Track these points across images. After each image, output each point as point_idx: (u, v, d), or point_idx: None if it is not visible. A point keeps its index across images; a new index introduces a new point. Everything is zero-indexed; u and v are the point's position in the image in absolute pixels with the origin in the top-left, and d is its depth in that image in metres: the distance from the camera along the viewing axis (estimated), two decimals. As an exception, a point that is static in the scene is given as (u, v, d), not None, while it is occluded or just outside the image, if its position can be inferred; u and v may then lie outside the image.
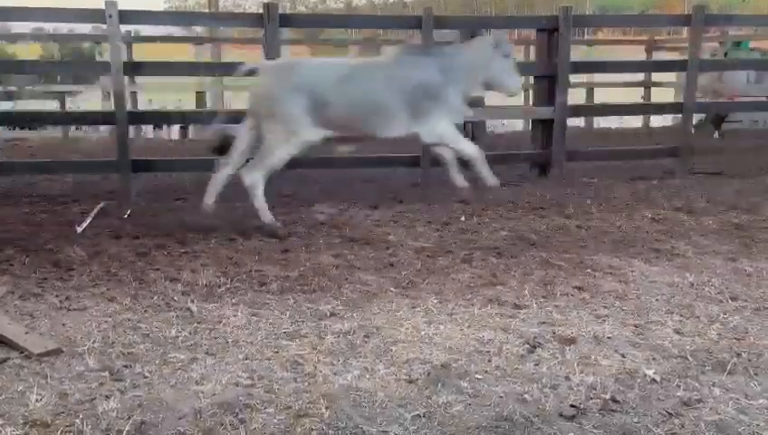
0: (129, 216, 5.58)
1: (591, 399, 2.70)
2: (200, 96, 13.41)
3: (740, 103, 10.33)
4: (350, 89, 4.94)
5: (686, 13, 8.33)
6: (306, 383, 2.82)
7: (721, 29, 12.04)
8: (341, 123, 4.98)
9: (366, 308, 3.65)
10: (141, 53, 12.72)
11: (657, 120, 12.86)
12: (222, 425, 2.50)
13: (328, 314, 3.56)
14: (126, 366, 2.94)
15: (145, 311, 3.58)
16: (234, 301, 3.74)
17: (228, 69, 6.12)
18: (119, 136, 6.38)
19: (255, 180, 5.01)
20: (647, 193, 6.41)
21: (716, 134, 10.82)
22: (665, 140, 8.52)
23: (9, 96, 11.59)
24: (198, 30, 14.53)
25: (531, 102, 8.80)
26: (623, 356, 3.08)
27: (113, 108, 6.49)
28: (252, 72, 5.10)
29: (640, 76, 13.26)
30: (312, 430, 2.48)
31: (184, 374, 2.88)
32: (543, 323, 3.46)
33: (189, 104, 13.85)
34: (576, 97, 10.88)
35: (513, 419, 2.55)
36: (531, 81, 10.11)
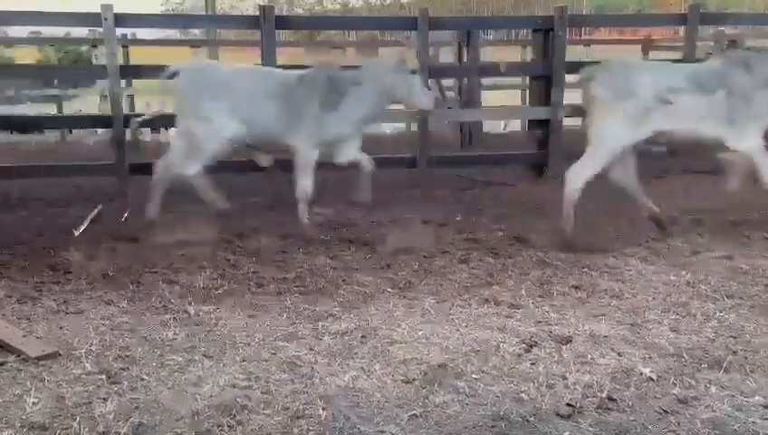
0: (126, 219, 5.57)
1: (588, 397, 2.71)
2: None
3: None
4: None
5: (682, 12, 8.34)
6: (303, 384, 2.82)
7: (717, 28, 12.04)
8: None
9: (363, 309, 3.66)
10: (139, 56, 12.70)
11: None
12: (219, 427, 2.50)
13: (325, 316, 3.56)
14: (123, 369, 2.94)
15: (142, 314, 3.59)
16: (231, 303, 3.75)
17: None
18: (116, 139, 6.38)
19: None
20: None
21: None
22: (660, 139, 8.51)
23: (7, 100, 11.59)
24: (196, 32, 14.54)
25: (527, 103, 8.81)
26: (619, 355, 3.09)
27: (110, 111, 6.49)
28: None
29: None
30: (310, 430, 2.49)
31: (181, 376, 2.89)
32: (540, 322, 3.47)
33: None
34: (573, 97, 10.88)
35: (509, 418, 2.56)
36: (527, 81, 10.15)
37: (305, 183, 5.09)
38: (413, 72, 5.09)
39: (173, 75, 5.04)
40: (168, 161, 5.04)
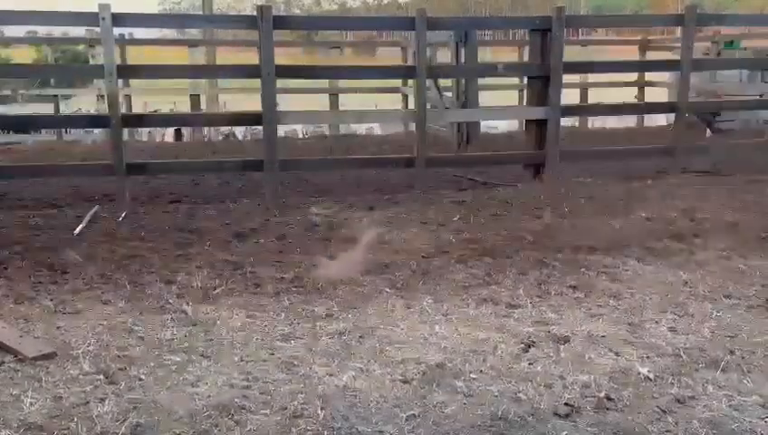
0: (124, 218, 5.57)
1: (586, 397, 2.71)
2: (195, 99, 13.36)
3: (732, 102, 10.36)
4: None
5: (679, 12, 8.36)
6: (301, 384, 2.82)
7: (714, 29, 12.08)
8: None
9: (361, 309, 3.66)
10: (136, 55, 12.68)
11: (650, 120, 12.88)
12: (217, 426, 2.50)
13: (323, 316, 3.56)
14: (121, 369, 2.94)
15: (140, 313, 3.58)
16: (229, 303, 3.74)
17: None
18: (113, 139, 6.37)
19: None
20: (640, 192, 6.43)
21: (708, 133, 10.86)
22: (658, 140, 8.54)
23: (4, 100, 11.55)
24: (193, 32, 14.52)
25: (525, 103, 8.82)
26: (617, 354, 3.09)
27: (107, 111, 6.48)
28: None
29: (634, 76, 13.30)
30: (308, 430, 2.49)
31: (179, 376, 2.88)
32: (538, 322, 3.47)
33: (184, 107, 13.79)
34: (570, 97, 10.89)
35: (507, 418, 2.56)
36: (525, 81, 10.13)
37: None
38: None
39: None
40: None
